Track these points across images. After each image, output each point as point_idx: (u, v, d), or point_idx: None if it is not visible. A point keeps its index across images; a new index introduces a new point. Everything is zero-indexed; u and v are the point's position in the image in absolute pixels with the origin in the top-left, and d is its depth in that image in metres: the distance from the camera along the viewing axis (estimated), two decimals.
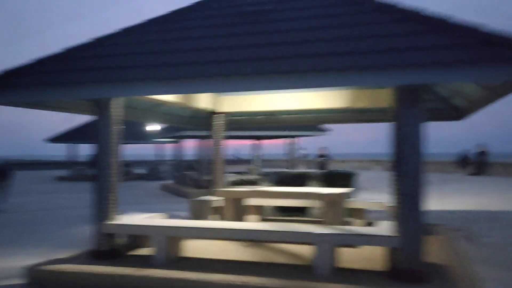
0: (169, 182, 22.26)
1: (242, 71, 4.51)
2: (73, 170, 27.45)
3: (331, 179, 10.43)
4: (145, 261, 5.53)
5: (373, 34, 4.71)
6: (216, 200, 8.21)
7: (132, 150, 38.90)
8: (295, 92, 8.46)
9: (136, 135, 27.32)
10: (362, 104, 8.22)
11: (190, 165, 22.46)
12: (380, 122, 8.86)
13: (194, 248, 6.27)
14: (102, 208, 5.75)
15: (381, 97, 8.07)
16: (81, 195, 17.85)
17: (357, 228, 5.34)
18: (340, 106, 8.31)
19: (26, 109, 6.29)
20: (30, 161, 47.36)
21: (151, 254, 5.80)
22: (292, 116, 10.08)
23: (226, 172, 20.24)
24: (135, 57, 5.18)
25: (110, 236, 5.76)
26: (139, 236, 6.30)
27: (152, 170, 26.03)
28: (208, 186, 17.45)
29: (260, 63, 4.62)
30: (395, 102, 4.82)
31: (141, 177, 26.62)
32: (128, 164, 28.60)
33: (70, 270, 5.25)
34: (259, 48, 4.93)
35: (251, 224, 5.55)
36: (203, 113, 10.13)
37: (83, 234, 9.13)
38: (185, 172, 19.95)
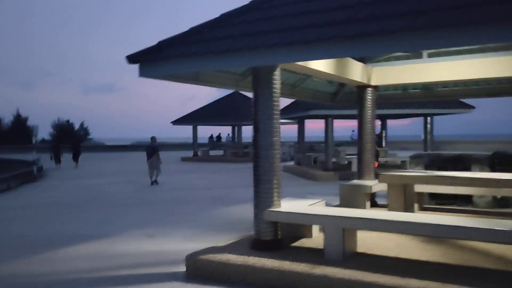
0: (290, 163, 21.73)
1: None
2: (196, 151, 28.42)
3: (499, 162, 8.78)
4: (315, 256, 4.78)
5: None
6: (374, 185, 7.23)
7: (247, 132, 39.38)
8: (465, 60, 7.04)
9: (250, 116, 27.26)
10: None
11: (311, 146, 21.64)
12: None
13: (362, 241, 5.38)
14: (265, 193, 5.10)
15: None
16: (212, 176, 18.09)
17: None
18: None
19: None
20: (171, 143, 50.65)
21: (317, 247, 5.07)
22: (455, 88, 8.60)
23: (350, 154, 19.09)
24: (311, 16, 4.35)
25: (274, 224, 5.11)
26: (298, 225, 5.59)
27: None
28: (334, 169, 16.54)
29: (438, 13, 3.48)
30: None
31: None
32: (246, 146, 28.80)
33: (233, 262, 4.70)
34: None
35: (449, 218, 4.44)
36: (348, 89, 9.13)
37: (227, 217, 8.81)
38: (308, 154, 19.19)
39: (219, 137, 38.91)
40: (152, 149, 15.04)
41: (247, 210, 9.58)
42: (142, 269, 5.41)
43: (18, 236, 7.52)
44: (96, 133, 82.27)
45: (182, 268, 5.24)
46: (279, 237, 5.17)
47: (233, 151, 28.07)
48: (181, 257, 5.87)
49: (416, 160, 9.09)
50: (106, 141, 74.65)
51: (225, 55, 4.45)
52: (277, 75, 5.09)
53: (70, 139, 43.50)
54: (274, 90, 5.08)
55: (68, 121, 72.47)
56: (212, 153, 30.86)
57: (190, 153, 29.84)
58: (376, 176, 7.68)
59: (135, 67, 4.97)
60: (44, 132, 62.64)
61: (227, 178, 17.08)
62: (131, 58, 4.86)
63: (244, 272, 4.60)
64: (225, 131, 37.52)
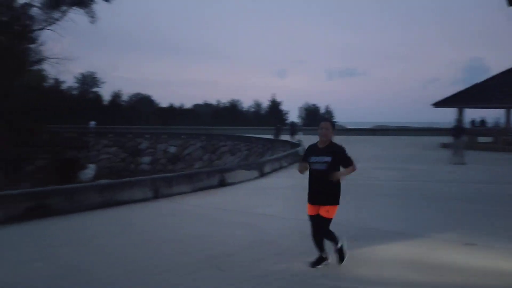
0: None
1: None
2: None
3: None
4: None
5: None
6: None
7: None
8: None
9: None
10: None
11: None
12: None
13: None
14: None
15: None
16: (491, 168, 15.12)
17: None
18: None
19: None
20: (414, 127, 47.95)
21: None
22: None
23: None
24: None
25: None
26: None
27: None
28: None
29: None
30: None
31: None
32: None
33: None
34: None
35: None
36: None
37: None
38: None
39: (483, 121, 33.81)
40: (460, 130, 16.53)
41: None
42: None
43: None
44: (339, 117, 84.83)
45: None
46: None
47: (506, 138, 23.53)
48: None
49: None
50: (347, 124, 75.78)
51: None
52: None
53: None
54: None
55: (314, 104, 76.84)
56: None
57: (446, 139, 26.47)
58: None
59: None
60: (293, 115, 68.03)
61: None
62: None
63: None
64: (490, 114, 32.28)
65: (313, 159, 4.55)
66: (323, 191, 4.53)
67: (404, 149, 23.44)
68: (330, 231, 4.66)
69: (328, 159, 4.46)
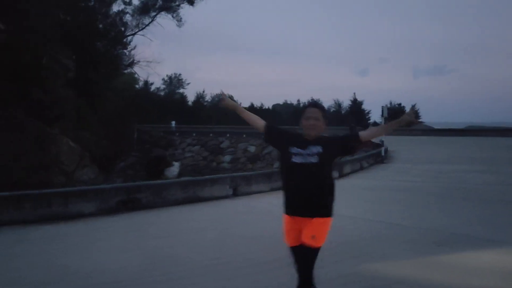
0: None
1: None
2: None
3: None
4: None
5: None
6: None
7: None
8: None
9: None
10: None
11: None
12: None
13: None
14: None
15: None
16: None
17: None
18: None
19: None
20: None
21: None
22: None
23: None
24: None
25: None
26: None
27: None
28: None
29: None
30: None
31: None
32: None
33: None
34: None
35: None
36: None
37: None
38: None
39: None
40: None
41: None
42: None
43: (392, 224, 6.84)
44: (426, 116, 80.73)
45: None
46: None
47: None
48: None
49: None
50: (435, 124, 71.70)
51: None
52: None
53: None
54: None
55: (399, 104, 73.65)
56: None
57: None
58: None
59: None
60: (376, 115, 65.99)
61: None
62: None
63: None
64: None
65: (296, 150, 3.22)
66: (311, 196, 3.17)
67: (502, 151, 21.68)
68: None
69: (318, 149, 3.18)
